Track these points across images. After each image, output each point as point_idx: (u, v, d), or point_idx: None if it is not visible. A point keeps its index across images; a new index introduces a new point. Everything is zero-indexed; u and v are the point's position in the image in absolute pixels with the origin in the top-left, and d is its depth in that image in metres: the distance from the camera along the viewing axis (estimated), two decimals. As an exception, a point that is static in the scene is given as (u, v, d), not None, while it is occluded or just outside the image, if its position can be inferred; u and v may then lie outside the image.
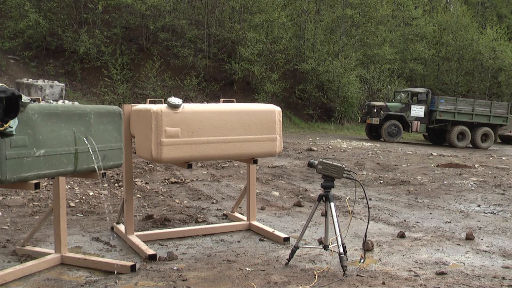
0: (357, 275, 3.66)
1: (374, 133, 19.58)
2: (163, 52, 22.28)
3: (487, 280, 3.66)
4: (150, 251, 3.98)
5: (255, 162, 4.54)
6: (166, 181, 7.54)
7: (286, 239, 4.52)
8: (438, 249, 4.46)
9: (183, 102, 3.90)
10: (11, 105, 2.56)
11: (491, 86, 31.09)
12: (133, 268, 3.63)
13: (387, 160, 11.51)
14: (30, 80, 14.34)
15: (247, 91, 23.10)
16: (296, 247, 3.88)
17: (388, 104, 19.23)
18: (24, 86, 13.86)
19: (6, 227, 4.76)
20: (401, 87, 25.56)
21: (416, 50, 28.40)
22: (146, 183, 7.26)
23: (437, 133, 19.74)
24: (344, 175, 3.76)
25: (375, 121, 18.74)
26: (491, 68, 30.34)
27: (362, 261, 3.84)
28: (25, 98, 2.72)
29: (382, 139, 18.91)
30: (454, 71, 29.99)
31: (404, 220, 5.57)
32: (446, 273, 3.77)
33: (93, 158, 3.27)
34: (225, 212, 5.67)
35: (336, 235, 3.75)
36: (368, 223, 3.91)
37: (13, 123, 2.61)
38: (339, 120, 24.65)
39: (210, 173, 8.48)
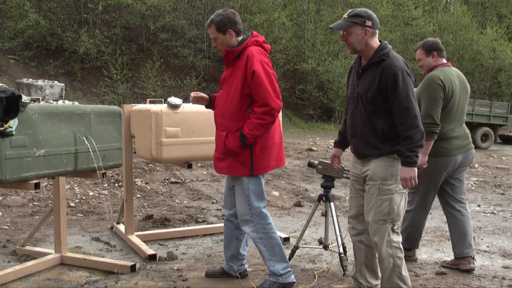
0: (357, 275, 3.66)
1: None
2: (163, 52, 22.28)
3: (487, 280, 3.66)
4: (150, 251, 3.98)
5: (255, 162, 4.54)
6: (166, 181, 7.55)
7: (286, 239, 4.52)
8: (438, 249, 4.46)
9: (183, 102, 3.91)
10: (11, 105, 2.56)
11: (491, 86, 31.09)
12: (133, 268, 3.63)
13: (387, 160, 11.50)
14: (30, 80, 14.33)
15: (247, 91, 23.08)
16: (296, 247, 3.88)
17: (388, 104, 19.24)
18: (24, 86, 13.85)
19: (6, 227, 4.76)
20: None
21: (416, 50, 28.39)
22: (146, 183, 7.26)
23: (437, 133, 19.71)
24: (344, 175, 3.77)
25: (375, 121, 18.74)
26: (491, 68, 30.35)
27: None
28: (25, 98, 2.72)
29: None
30: (454, 71, 29.97)
31: (405, 220, 5.57)
32: (446, 273, 3.77)
33: (93, 158, 3.27)
34: (225, 212, 5.66)
35: (336, 235, 3.76)
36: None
37: (13, 123, 2.61)
38: (339, 120, 24.63)
39: (210, 173, 8.48)
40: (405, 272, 2.94)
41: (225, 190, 3.46)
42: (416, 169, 2.79)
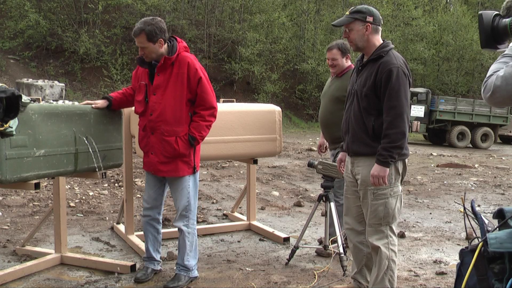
0: (357, 275, 3.66)
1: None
2: (163, 52, 22.26)
3: (487, 280, 3.66)
4: (150, 251, 3.97)
5: (255, 162, 4.55)
6: (166, 181, 7.53)
7: (286, 239, 4.52)
8: (438, 249, 4.46)
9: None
10: (11, 105, 2.56)
11: (491, 86, 30.98)
12: (133, 268, 3.63)
13: (387, 160, 11.50)
14: (30, 80, 14.32)
15: (247, 91, 23.11)
16: (296, 247, 3.89)
17: (388, 104, 19.21)
18: (24, 86, 13.83)
19: (6, 227, 4.76)
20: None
21: (416, 50, 28.35)
22: (146, 183, 7.25)
23: (437, 133, 19.71)
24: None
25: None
26: (491, 68, 30.27)
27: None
28: (25, 98, 2.72)
29: (382, 139, 18.89)
30: (454, 71, 29.97)
31: (404, 220, 5.57)
32: (446, 273, 3.77)
33: (93, 158, 3.27)
34: (225, 212, 5.67)
35: (336, 235, 3.76)
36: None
37: (13, 123, 2.61)
38: (339, 120, 24.64)
39: (210, 173, 8.48)
40: (395, 276, 2.98)
41: (152, 192, 3.50)
42: (388, 169, 2.79)
